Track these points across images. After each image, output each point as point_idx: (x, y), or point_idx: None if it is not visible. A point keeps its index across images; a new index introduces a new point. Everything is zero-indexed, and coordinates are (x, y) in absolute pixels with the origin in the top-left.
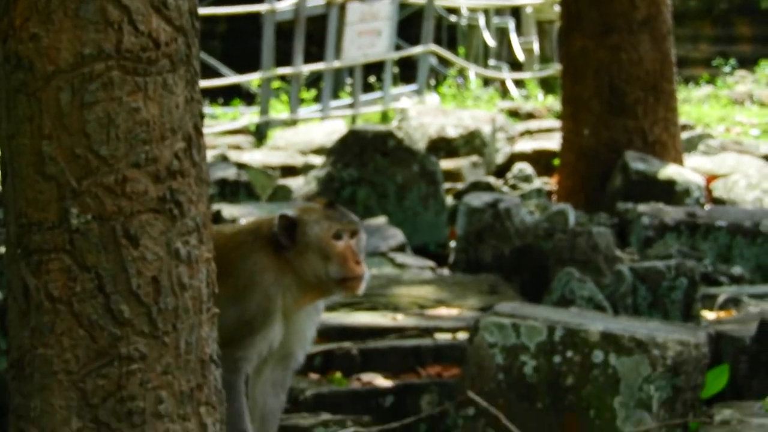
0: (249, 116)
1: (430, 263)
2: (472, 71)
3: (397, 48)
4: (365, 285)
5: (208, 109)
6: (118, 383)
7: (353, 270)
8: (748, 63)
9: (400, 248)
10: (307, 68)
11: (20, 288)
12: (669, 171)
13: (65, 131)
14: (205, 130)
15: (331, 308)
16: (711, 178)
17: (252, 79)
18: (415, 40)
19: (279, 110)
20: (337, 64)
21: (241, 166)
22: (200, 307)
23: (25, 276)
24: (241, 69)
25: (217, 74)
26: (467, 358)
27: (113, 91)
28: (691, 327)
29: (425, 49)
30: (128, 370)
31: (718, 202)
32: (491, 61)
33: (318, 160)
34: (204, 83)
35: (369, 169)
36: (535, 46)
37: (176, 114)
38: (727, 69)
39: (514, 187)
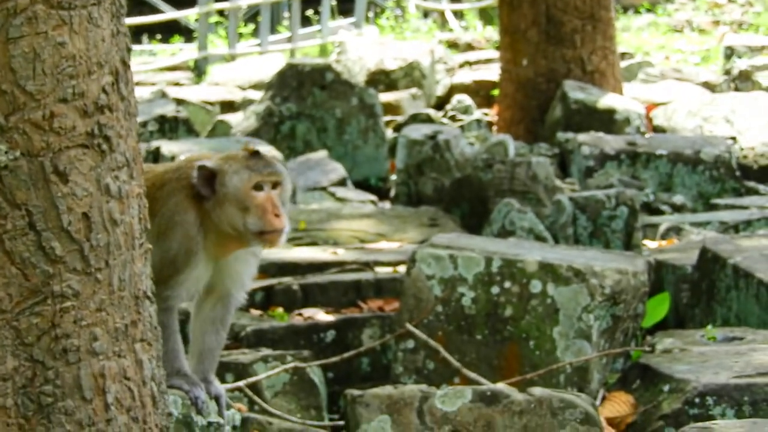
0: (188, 52)
1: (371, 197)
2: (412, 3)
3: None
4: (285, 238)
5: (146, 46)
6: (52, 321)
7: (272, 223)
8: None
9: (341, 182)
10: (245, 2)
11: None
12: (608, 100)
13: None
14: (144, 67)
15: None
16: (651, 106)
17: (190, 15)
18: None
19: (217, 46)
20: None
21: (180, 102)
22: (132, 243)
23: None
24: (180, 5)
25: (155, 10)
26: (405, 290)
27: (38, 26)
28: (630, 255)
29: None
30: (62, 307)
31: (658, 130)
32: None
33: (257, 95)
34: (142, 19)
35: (308, 103)
36: None
37: (102, 48)
38: None
39: (453, 118)
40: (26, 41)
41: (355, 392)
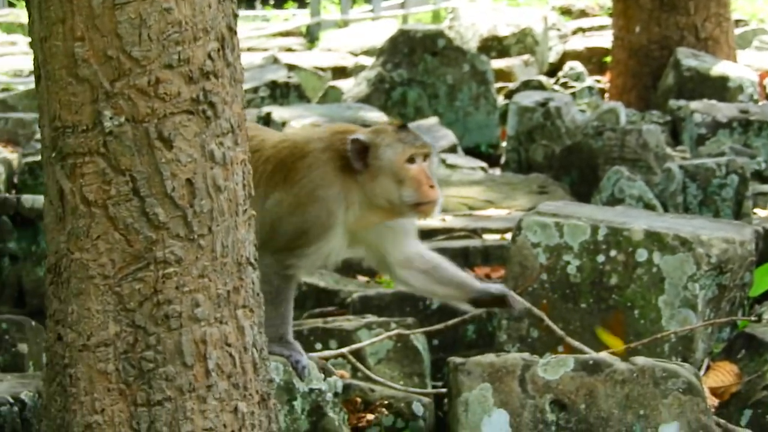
0: (300, 18)
1: (482, 164)
2: None
3: None
4: (439, 209)
5: (260, 12)
6: (154, 287)
7: (427, 194)
8: None
9: (452, 149)
10: None
11: (56, 192)
12: (722, 67)
13: (97, 32)
14: (257, 33)
15: None
16: (765, 74)
17: None
18: None
19: (330, 11)
20: None
21: (291, 68)
22: (236, 209)
23: (60, 179)
24: None
25: None
26: (510, 258)
27: None
28: (738, 224)
29: None
30: (164, 273)
31: None
32: None
33: (369, 61)
34: None
35: (419, 69)
36: None
37: (209, 14)
38: None
39: (565, 85)
40: (132, 7)
41: (458, 360)
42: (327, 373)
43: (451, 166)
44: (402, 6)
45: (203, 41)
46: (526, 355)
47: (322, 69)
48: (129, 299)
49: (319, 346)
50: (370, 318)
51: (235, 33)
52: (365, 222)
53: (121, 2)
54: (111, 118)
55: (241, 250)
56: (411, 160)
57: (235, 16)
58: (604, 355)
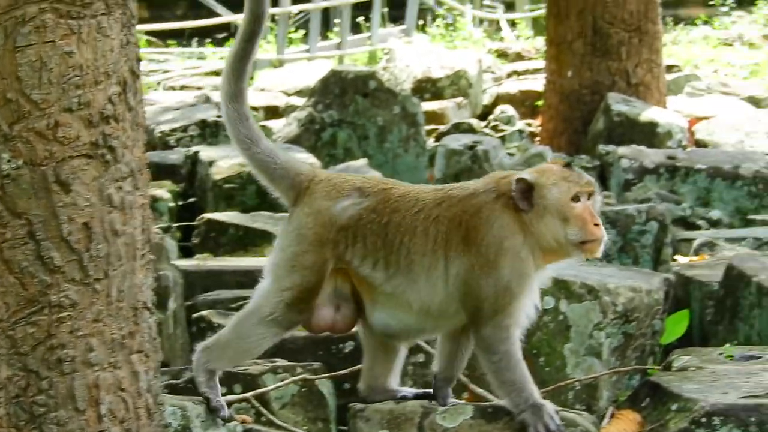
0: None
1: None
2: (468, 11)
3: None
4: (604, 247)
5: (196, 49)
6: (48, 331)
7: (593, 232)
8: (746, 3)
9: None
10: (295, 8)
11: None
12: (651, 113)
13: None
14: (191, 71)
15: None
16: (694, 120)
17: (238, 20)
18: None
19: (267, 51)
20: (324, 4)
21: None
22: (134, 253)
23: None
24: (236, 8)
25: (212, 13)
26: None
27: (46, 35)
28: (647, 273)
29: None
30: (58, 317)
31: (700, 144)
32: (486, 0)
33: (302, 101)
34: (195, 23)
35: (350, 110)
36: None
37: (110, 58)
38: (723, 9)
39: (496, 128)
40: (33, 50)
41: (358, 406)
42: (228, 419)
43: None
44: (338, 47)
45: (104, 85)
46: (425, 402)
47: (255, 108)
48: (22, 343)
49: (223, 390)
50: (278, 362)
51: (138, 77)
52: (541, 264)
53: (22, 45)
54: (9, 161)
55: (138, 294)
56: (576, 198)
57: (138, 60)
58: (504, 402)
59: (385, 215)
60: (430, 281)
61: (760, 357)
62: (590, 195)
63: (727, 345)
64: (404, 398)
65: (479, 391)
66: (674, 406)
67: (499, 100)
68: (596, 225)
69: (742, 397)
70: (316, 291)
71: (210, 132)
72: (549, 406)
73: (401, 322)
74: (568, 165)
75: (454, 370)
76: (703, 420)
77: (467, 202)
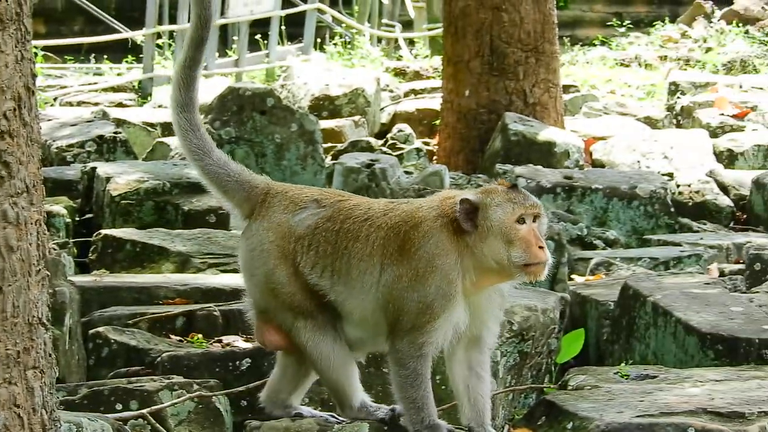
0: (134, 73)
1: None
2: (366, 30)
3: (285, 5)
4: (548, 270)
5: (93, 65)
6: None
7: (537, 255)
8: (643, 25)
9: None
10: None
11: None
12: (548, 133)
13: None
14: (88, 87)
15: (197, 269)
16: (591, 140)
17: (137, 36)
18: None
19: (166, 67)
20: (222, 21)
21: (121, 123)
22: (29, 269)
23: None
24: (134, 25)
25: (111, 29)
26: None
27: None
28: (543, 292)
29: (312, 7)
30: None
31: (597, 164)
32: (384, 20)
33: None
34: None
35: (247, 127)
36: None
37: (5, 74)
38: (621, 30)
39: (393, 147)
40: None
41: (254, 423)
42: None
43: None
44: (236, 64)
45: None
46: (322, 419)
47: (152, 125)
48: None
49: (119, 406)
50: (176, 378)
51: (34, 93)
52: (479, 286)
53: None
54: None
55: (32, 310)
56: (521, 220)
57: (34, 76)
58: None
59: (338, 223)
60: (365, 287)
61: (655, 376)
62: (536, 217)
63: (623, 364)
64: (300, 416)
65: None
66: (570, 425)
67: (396, 118)
68: (541, 247)
69: (637, 416)
70: (306, 293)
71: (107, 148)
72: (444, 428)
73: (348, 333)
74: (514, 186)
75: (479, 416)
76: None
77: (411, 214)
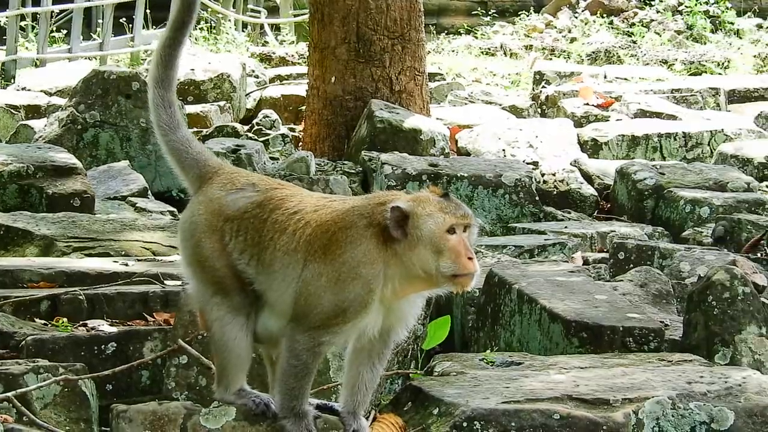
0: None
1: (171, 208)
2: (231, 14)
3: None
4: (476, 281)
5: None
6: None
7: (466, 266)
8: (508, 14)
9: (142, 193)
10: (57, 7)
11: None
12: (414, 121)
13: None
14: None
15: (61, 253)
16: (456, 128)
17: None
18: None
19: (28, 49)
20: (86, 3)
21: None
22: None
23: None
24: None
25: None
26: (181, 305)
27: None
28: None
29: None
30: None
31: (462, 152)
32: (250, 5)
33: (63, 101)
34: None
35: (112, 111)
36: None
37: None
38: (486, 19)
39: (259, 132)
40: None
41: (121, 407)
42: None
43: (140, 210)
44: (100, 47)
45: None
46: (188, 403)
47: (16, 108)
48: None
49: None
50: (41, 362)
51: None
52: (401, 294)
53: None
54: None
55: None
56: (451, 230)
57: None
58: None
59: (267, 212)
60: (286, 281)
61: (520, 363)
62: (466, 227)
63: (488, 351)
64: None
65: None
66: (436, 411)
67: (262, 104)
68: (470, 258)
69: (503, 402)
70: (229, 271)
71: None
72: (311, 416)
73: (263, 324)
74: (445, 195)
75: (356, 404)
76: (465, 425)
77: (342, 215)
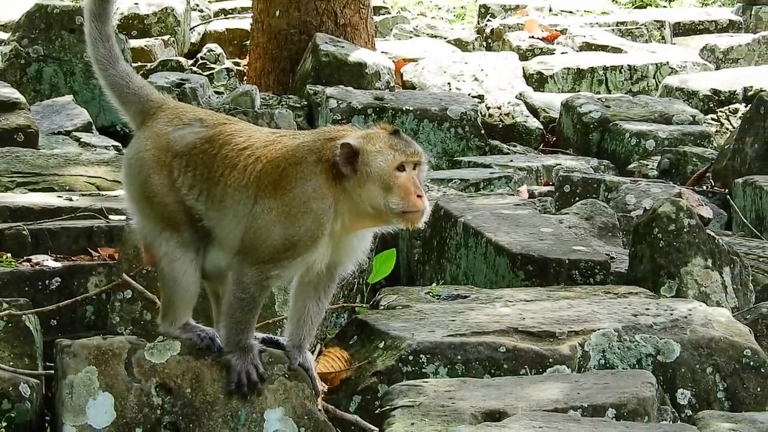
0: None
1: (115, 143)
2: None
3: None
4: (425, 218)
5: None
6: None
7: (415, 203)
8: None
9: (86, 128)
10: None
11: None
12: (359, 54)
13: None
14: None
15: (5, 188)
16: (401, 62)
17: None
18: None
19: None
20: None
21: None
22: None
23: None
24: None
25: None
26: (125, 239)
27: None
28: None
29: None
30: None
31: (408, 86)
32: None
33: (6, 36)
34: None
35: (56, 45)
36: None
37: None
38: None
39: (203, 66)
40: None
41: (65, 342)
42: None
43: (84, 145)
44: None
45: None
46: (133, 338)
47: None
48: None
49: None
50: None
51: None
52: (351, 229)
53: None
54: None
55: None
56: (401, 167)
57: None
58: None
59: (216, 147)
60: (237, 217)
61: (466, 296)
62: (416, 165)
63: (434, 284)
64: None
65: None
66: (381, 344)
67: (206, 38)
68: (419, 196)
69: (449, 335)
70: (179, 207)
71: None
72: (256, 350)
73: (212, 260)
74: (396, 132)
75: (301, 338)
76: (410, 358)
77: (292, 151)
